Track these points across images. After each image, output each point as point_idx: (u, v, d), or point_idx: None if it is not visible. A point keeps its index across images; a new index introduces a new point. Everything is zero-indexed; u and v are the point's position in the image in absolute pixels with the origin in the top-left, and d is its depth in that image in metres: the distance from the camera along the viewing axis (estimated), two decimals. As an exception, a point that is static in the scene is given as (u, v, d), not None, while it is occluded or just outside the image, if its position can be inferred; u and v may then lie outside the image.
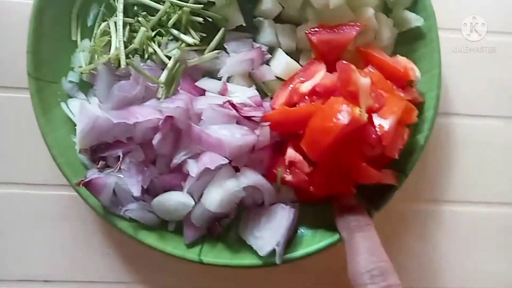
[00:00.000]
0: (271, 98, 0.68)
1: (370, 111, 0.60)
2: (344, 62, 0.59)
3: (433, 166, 0.75)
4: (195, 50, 0.67)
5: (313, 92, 0.64)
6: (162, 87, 0.63)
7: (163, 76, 0.63)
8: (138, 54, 0.65)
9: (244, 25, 0.68)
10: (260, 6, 0.68)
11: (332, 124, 0.57)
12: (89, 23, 0.68)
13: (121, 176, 0.62)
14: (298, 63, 0.69)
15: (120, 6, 0.65)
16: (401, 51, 0.70)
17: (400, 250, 0.74)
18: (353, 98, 0.59)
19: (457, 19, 0.76)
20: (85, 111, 0.61)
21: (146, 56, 0.65)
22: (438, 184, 0.75)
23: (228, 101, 0.61)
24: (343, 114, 0.57)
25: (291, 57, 0.68)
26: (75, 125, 0.64)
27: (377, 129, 0.59)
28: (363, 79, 0.59)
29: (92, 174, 0.62)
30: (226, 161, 0.60)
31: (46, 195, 0.71)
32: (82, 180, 0.60)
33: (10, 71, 0.71)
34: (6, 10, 0.72)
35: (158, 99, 0.63)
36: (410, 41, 0.71)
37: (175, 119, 0.61)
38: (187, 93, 0.63)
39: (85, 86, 0.67)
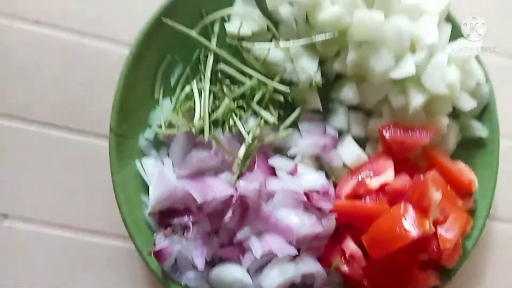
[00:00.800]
0: (334, 182, 0.70)
1: (435, 223, 0.62)
2: (421, 176, 0.62)
3: (472, 268, 0.78)
4: (269, 126, 0.68)
5: (381, 189, 0.66)
6: (238, 163, 0.64)
7: (242, 152, 0.64)
8: (218, 124, 0.66)
9: (321, 110, 0.70)
10: (338, 93, 0.70)
11: (401, 233, 0.60)
12: (173, 82, 0.68)
13: (185, 243, 0.63)
14: (364, 150, 0.71)
15: (207, 74, 0.66)
16: (459, 154, 0.73)
17: None
18: (423, 210, 0.62)
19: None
20: (163, 179, 0.62)
21: (226, 127, 0.66)
22: (474, 286, 0.78)
23: (305, 192, 0.63)
24: (414, 226, 0.60)
25: (358, 143, 0.71)
26: (146, 184, 0.65)
27: (440, 242, 0.62)
28: (436, 194, 0.61)
29: (160, 240, 0.63)
30: (295, 252, 0.62)
31: (100, 244, 0.71)
32: (152, 250, 0.61)
33: (87, 115, 0.71)
34: (95, 54, 0.72)
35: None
36: (470, 147, 0.74)
37: (247, 198, 0.62)
38: (262, 173, 0.64)
39: (158, 143, 0.68)
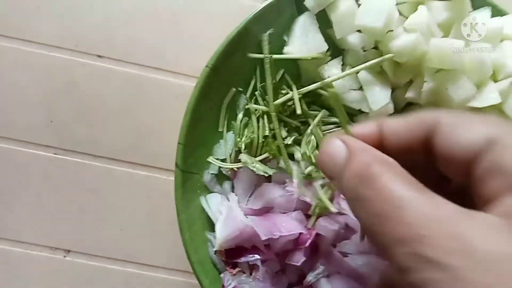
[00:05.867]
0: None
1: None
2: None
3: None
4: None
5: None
6: (319, 205, 0.61)
7: (323, 194, 0.61)
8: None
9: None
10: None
11: None
12: (238, 114, 0.66)
13: (253, 283, 0.61)
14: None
15: (274, 117, 0.63)
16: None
17: None
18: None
19: None
20: (232, 217, 0.59)
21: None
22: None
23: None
24: None
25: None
26: (210, 220, 0.63)
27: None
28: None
29: (228, 281, 0.60)
30: (367, 298, 0.58)
31: (163, 279, 0.69)
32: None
33: (150, 149, 0.70)
34: (157, 87, 0.71)
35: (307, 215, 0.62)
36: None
37: (321, 238, 0.59)
38: (344, 216, 0.61)
39: (221, 177, 0.65)
